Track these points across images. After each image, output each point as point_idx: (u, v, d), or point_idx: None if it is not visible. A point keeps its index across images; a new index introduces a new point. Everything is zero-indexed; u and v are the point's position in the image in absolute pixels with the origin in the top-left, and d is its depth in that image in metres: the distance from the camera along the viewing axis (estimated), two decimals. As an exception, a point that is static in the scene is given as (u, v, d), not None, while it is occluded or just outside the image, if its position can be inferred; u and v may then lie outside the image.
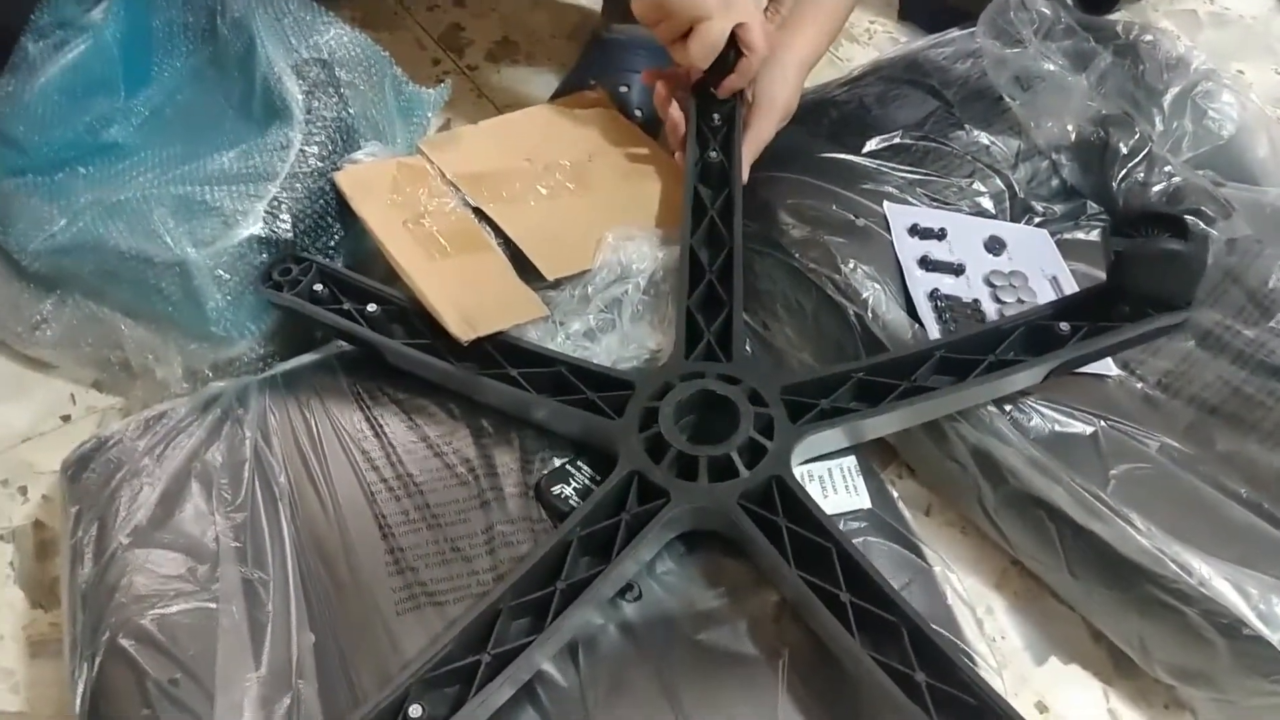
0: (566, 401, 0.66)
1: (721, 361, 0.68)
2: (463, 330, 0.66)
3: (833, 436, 0.66)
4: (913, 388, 0.67)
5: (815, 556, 0.58)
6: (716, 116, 0.82)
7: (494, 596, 0.56)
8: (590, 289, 0.72)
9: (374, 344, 0.69)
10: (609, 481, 0.61)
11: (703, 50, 0.76)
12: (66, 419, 0.79)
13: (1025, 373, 0.68)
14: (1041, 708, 0.68)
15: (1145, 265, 0.66)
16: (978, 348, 0.69)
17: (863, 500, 0.66)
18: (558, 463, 0.66)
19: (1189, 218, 0.66)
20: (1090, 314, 0.70)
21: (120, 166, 0.81)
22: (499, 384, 0.66)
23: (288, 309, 0.72)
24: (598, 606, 0.59)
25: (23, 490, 0.75)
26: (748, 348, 0.75)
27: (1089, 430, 0.70)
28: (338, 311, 0.71)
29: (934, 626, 0.55)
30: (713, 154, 0.80)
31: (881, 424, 0.68)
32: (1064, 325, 0.69)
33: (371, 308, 0.70)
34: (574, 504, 0.63)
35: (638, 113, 0.90)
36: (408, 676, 0.53)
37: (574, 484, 0.64)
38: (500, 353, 0.68)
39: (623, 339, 0.71)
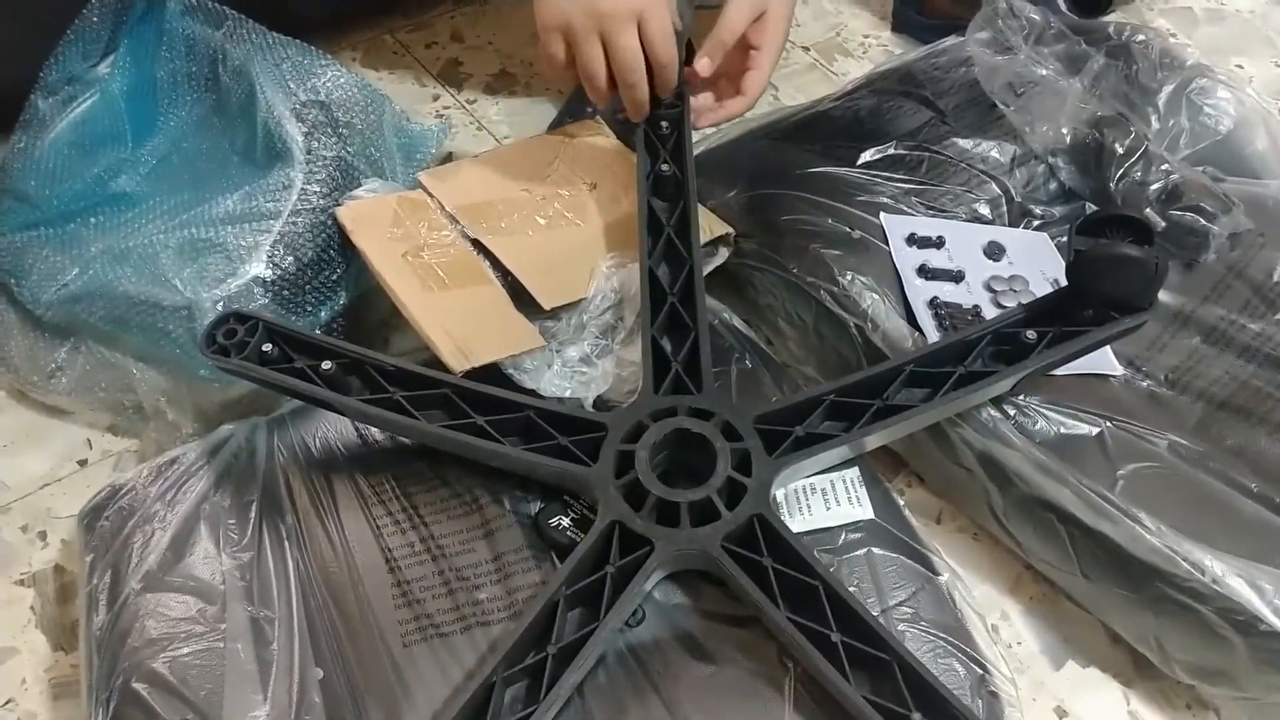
0: (538, 449, 0.64)
1: (692, 393, 0.66)
2: (457, 361, 0.67)
3: (811, 464, 0.65)
4: (885, 407, 0.65)
5: (803, 596, 0.57)
6: (664, 124, 0.79)
7: (487, 670, 0.54)
8: (585, 316, 0.73)
9: (331, 404, 0.65)
10: (591, 534, 0.60)
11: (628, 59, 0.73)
12: (83, 463, 0.80)
13: (996, 384, 0.67)
14: (1061, 712, 0.68)
15: (1103, 266, 0.65)
16: (946, 360, 0.67)
17: (866, 511, 0.66)
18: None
19: (1149, 222, 0.65)
20: (1055, 318, 0.68)
21: (129, 215, 0.83)
22: (466, 435, 0.64)
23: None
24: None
25: (42, 535, 0.76)
26: (748, 362, 0.76)
27: (1095, 431, 0.69)
28: (290, 371, 0.65)
29: (926, 665, 0.55)
30: (664, 166, 0.76)
31: (858, 447, 0.67)
32: (1030, 333, 0.68)
33: (327, 365, 0.65)
34: (571, 534, 0.63)
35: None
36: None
37: (572, 514, 0.64)
38: (465, 402, 0.65)
39: (618, 363, 0.71)
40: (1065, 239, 0.84)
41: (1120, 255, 0.64)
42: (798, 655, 0.57)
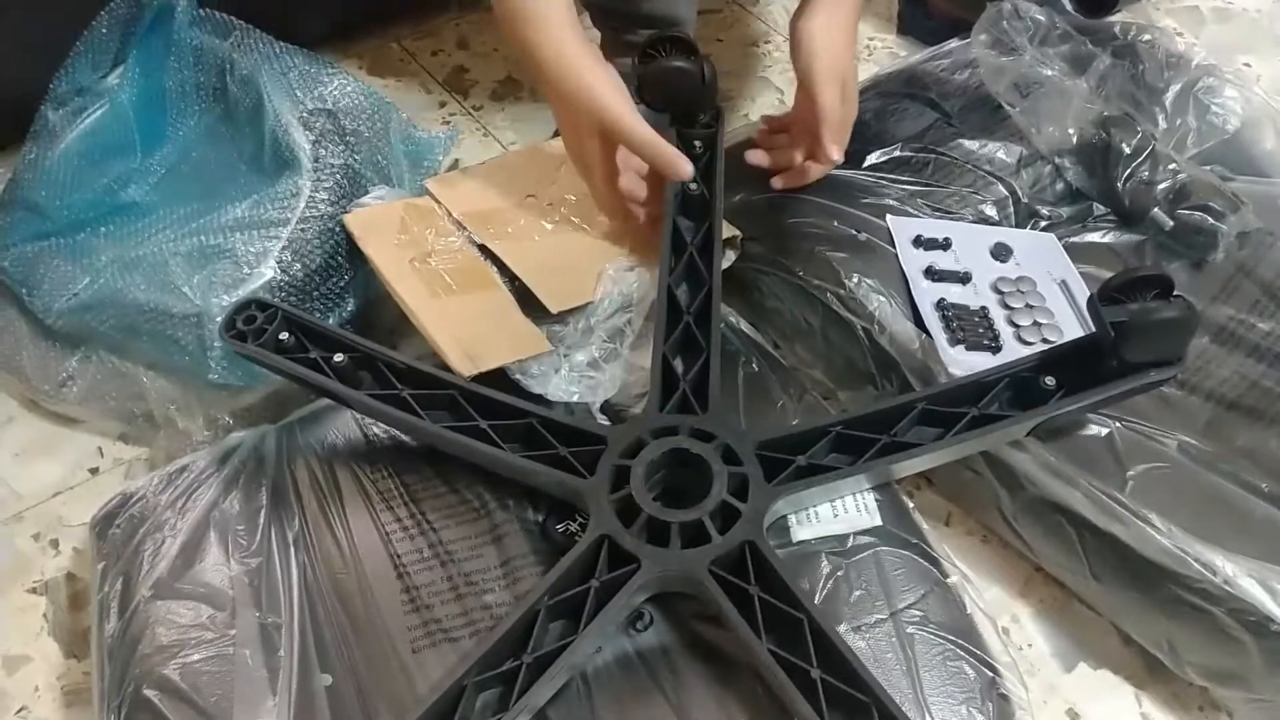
0: (537, 457, 0.63)
1: (697, 414, 0.65)
2: (465, 365, 0.67)
3: (811, 495, 0.64)
4: (893, 444, 0.64)
5: (787, 628, 0.56)
6: (698, 143, 0.79)
7: (458, 673, 0.54)
8: (593, 320, 0.73)
9: (339, 396, 0.66)
10: (578, 547, 0.59)
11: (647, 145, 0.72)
12: (95, 472, 0.81)
13: (1010, 428, 0.65)
14: (1073, 715, 0.68)
15: (1149, 332, 0.63)
16: (961, 400, 0.65)
17: (874, 518, 0.66)
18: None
19: (1166, 274, 0.64)
20: (1077, 368, 0.66)
21: (139, 224, 0.84)
22: (467, 438, 0.64)
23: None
24: (578, 665, 0.58)
25: (54, 544, 0.76)
26: (754, 366, 0.75)
27: (1104, 431, 0.69)
28: (303, 361, 0.67)
29: (902, 709, 0.53)
30: (693, 186, 0.76)
31: (861, 481, 0.66)
32: (1049, 379, 0.65)
33: (339, 358, 0.66)
34: (578, 541, 0.62)
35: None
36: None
37: (580, 519, 0.64)
38: (471, 405, 0.65)
39: (626, 367, 0.71)
40: (1072, 240, 0.84)
41: (1167, 320, 0.63)
42: (774, 688, 0.55)
